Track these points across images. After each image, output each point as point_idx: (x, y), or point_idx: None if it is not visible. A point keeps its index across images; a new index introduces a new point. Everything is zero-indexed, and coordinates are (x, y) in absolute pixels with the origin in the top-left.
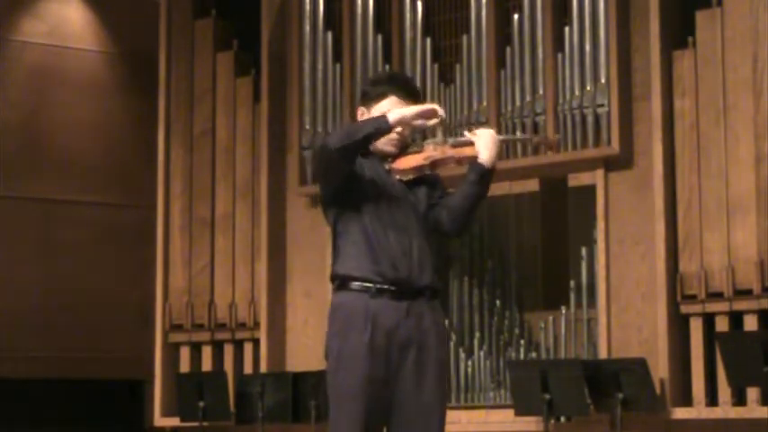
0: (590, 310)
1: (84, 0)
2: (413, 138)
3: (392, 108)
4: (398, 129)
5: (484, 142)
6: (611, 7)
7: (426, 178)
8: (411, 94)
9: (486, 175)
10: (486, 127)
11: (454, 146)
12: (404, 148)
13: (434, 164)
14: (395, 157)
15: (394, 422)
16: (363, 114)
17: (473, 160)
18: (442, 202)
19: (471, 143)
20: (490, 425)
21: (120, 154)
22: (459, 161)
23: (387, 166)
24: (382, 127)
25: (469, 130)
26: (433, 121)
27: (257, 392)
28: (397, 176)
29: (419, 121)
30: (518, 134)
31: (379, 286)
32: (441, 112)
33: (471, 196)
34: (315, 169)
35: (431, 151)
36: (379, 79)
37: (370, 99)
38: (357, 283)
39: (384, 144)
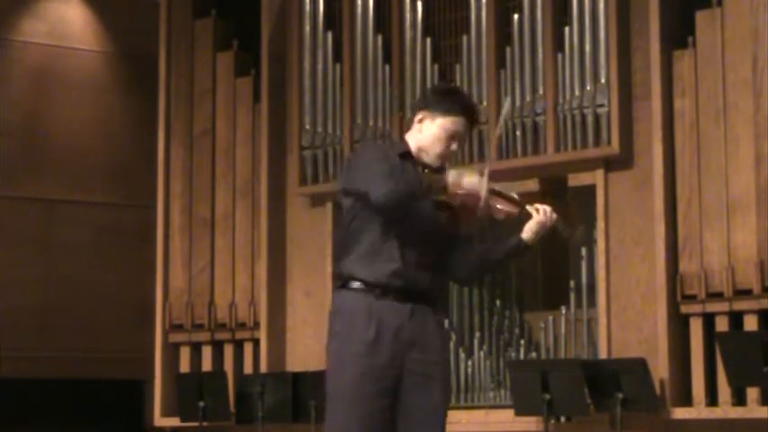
0: (590, 310)
1: (84, 0)
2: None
3: (456, 128)
4: (454, 147)
5: (538, 224)
6: (611, 7)
7: (450, 208)
8: (474, 119)
9: (524, 253)
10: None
11: (496, 193)
12: (441, 167)
13: (467, 198)
14: (434, 171)
15: (400, 423)
16: (423, 120)
17: (512, 217)
18: (466, 250)
19: (512, 201)
20: (490, 425)
21: (120, 154)
22: (491, 210)
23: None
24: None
25: (528, 201)
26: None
27: (257, 392)
28: None
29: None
30: (560, 223)
31: (383, 287)
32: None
33: (497, 260)
34: (352, 187)
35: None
36: (450, 92)
37: (436, 110)
38: (361, 284)
39: (435, 157)
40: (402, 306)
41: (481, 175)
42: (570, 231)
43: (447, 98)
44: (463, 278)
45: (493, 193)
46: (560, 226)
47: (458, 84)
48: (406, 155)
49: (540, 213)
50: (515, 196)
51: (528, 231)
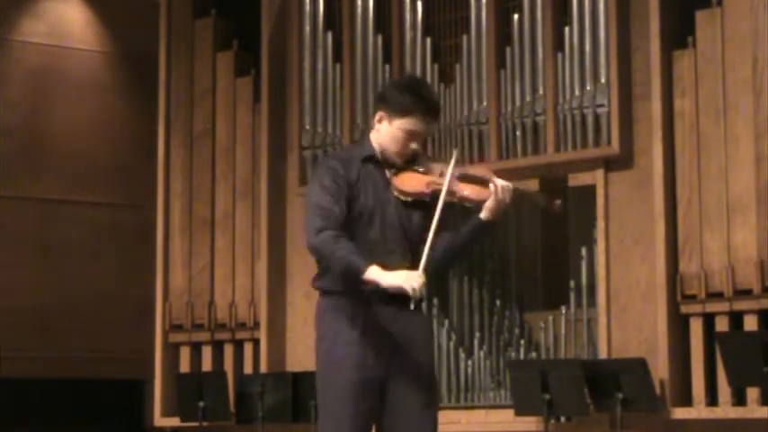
0: (590, 310)
1: (84, 0)
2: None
3: (415, 128)
4: (413, 146)
5: (494, 201)
6: (611, 7)
7: (424, 202)
8: (434, 116)
9: (486, 231)
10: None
11: (462, 179)
12: (411, 161)
13: (435, 192)
14: (399, 169)
15: (389, 424)
16: (382, 120)
17: (477, 204)
18: (438, 241)
19: (482, 182)
20: (490, 425)
21: (120, 154)
22: (462, 199)
23: (387, 175)
24: (355, 277)
25: (488, 173)
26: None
27: (257, 392)
28: (395, 193)
29: (392, 289)
30: (537, 196)
31: (366, 294)
32: (416, 293)
33: (463, 244)
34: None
35: (435, 177)
36: (407, 90)
37: (393, 111)
38: (344, 291)
39: (394, 156)
40: (386, 308)
41: (442, 175)
42: (548, 202)
43: (404, 98)
44: (435, 268)
45: (460, 179)
46: (537, 198)
47: (457, 84)
48: (371, 157)
49: (499, 191)
50: (481, 176)
51: (485, 210)
